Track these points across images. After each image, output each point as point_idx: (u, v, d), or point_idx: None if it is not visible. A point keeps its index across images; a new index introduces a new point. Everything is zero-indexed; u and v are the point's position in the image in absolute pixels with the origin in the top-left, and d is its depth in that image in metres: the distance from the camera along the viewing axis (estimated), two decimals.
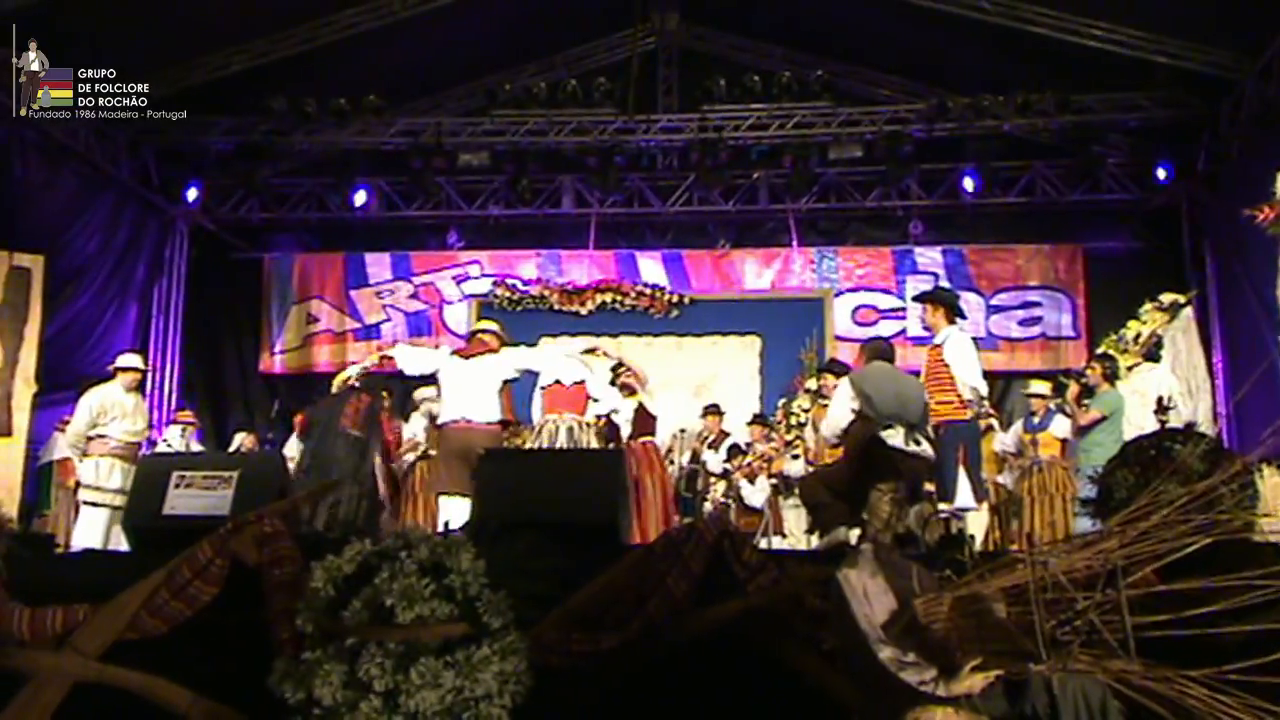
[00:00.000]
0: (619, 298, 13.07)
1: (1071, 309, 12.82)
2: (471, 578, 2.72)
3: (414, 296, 13.60)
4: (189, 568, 3.18)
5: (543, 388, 8.75)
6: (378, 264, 13.70)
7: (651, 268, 13.39)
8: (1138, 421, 8.12)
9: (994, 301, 12.94)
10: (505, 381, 7.59)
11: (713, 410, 11.15)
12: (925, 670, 2.42)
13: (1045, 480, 9.33)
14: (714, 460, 10.78)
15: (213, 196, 13.15)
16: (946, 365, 7.00)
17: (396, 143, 12.52)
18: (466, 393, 7.34)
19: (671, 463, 10.15)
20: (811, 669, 3.04)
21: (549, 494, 4.15)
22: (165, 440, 11.20)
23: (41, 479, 10.05)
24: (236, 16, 10.93)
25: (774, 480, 10.68)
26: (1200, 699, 1.99)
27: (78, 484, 8.29)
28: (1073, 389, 9.15)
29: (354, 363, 9.24)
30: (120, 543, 7.16)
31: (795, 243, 13.26)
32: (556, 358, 8.38)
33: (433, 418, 9.60)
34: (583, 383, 8.61)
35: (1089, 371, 9.00)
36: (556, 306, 13.13)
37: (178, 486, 4.11)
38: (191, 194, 12.79)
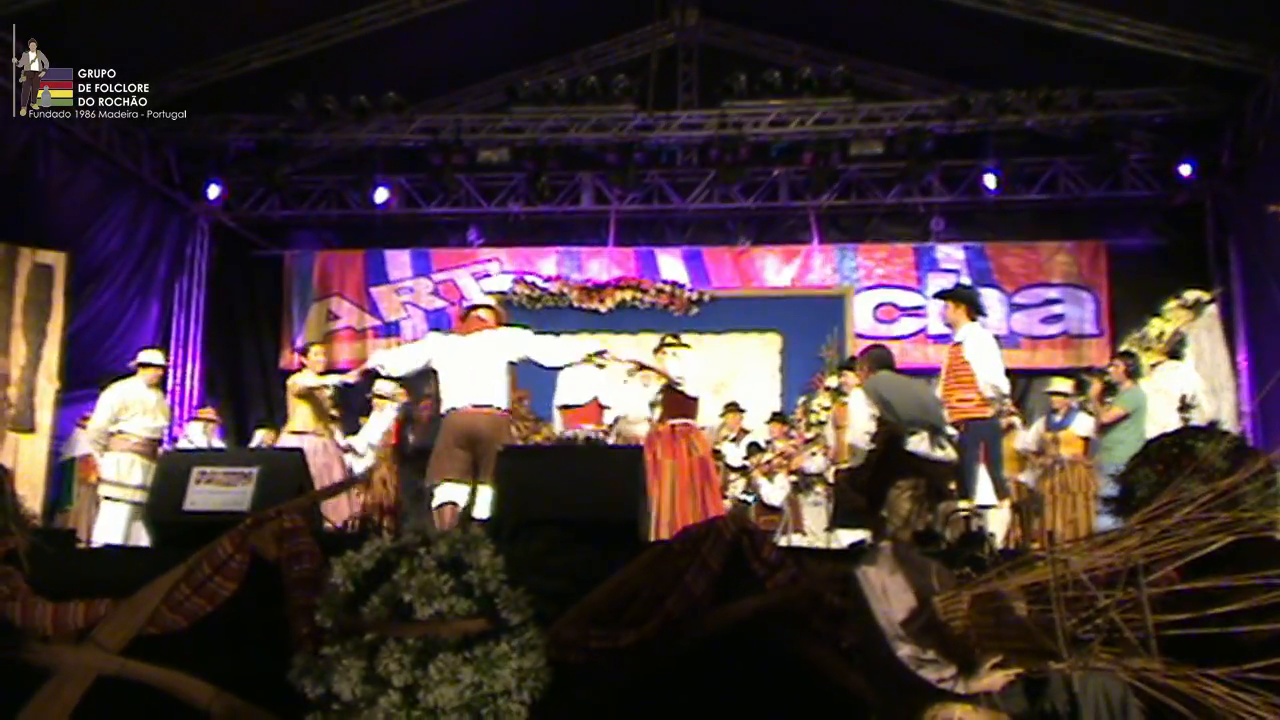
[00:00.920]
0: (639, 295, 13.06)
1: (1094, 306, 12.73)
2: (490, 574, 2.72)
3: (434, 293, 13.62)
4: (209, 563, 3.19)
5: (559, 407, 8.76)
6: (398, 261, 13.73)
7: (671, 265, 13.37)
8: (1161, 419, 8.07)
9: (1016, 299, 12.87)
10: (509, 364, 6.82)
11: (732, 408, 11.13)
12: (944, 667, 2.42)
13: (1067, 478, 9.28)
14: (733, 453, 10.73)
15: (234, 194, 13.19)
16: (967, 363, 6.97)
17: (416, 140, 12.53)
18: (467, 374, 6.66)
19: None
20: (830, 666, 3.03)
21: (568, 491, 4.15)
22: (187, 437, 11.24)
23: (64, 475, 10.13)
24: (256, 14, 10.95)
25: (793, 478, 10.66)
26: (1221, 698, 1.98)
27: (99, 480, 8.34)
28: (1095, 386, 9.10)
29: (344, 369, 9.20)
30: (141, 538, 7.21)
31: (816, 239, 13.21)
32: (557, 353, 7.18)
33: (408, 414, 9.54)
34: (595, 399, 8.61)
35: (1111, 369, 8.96)
36: (576, 303, 13.13)
37: (199, 482, 4.13)
38: (213, 191, 12.84)
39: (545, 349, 6.98)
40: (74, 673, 3.08)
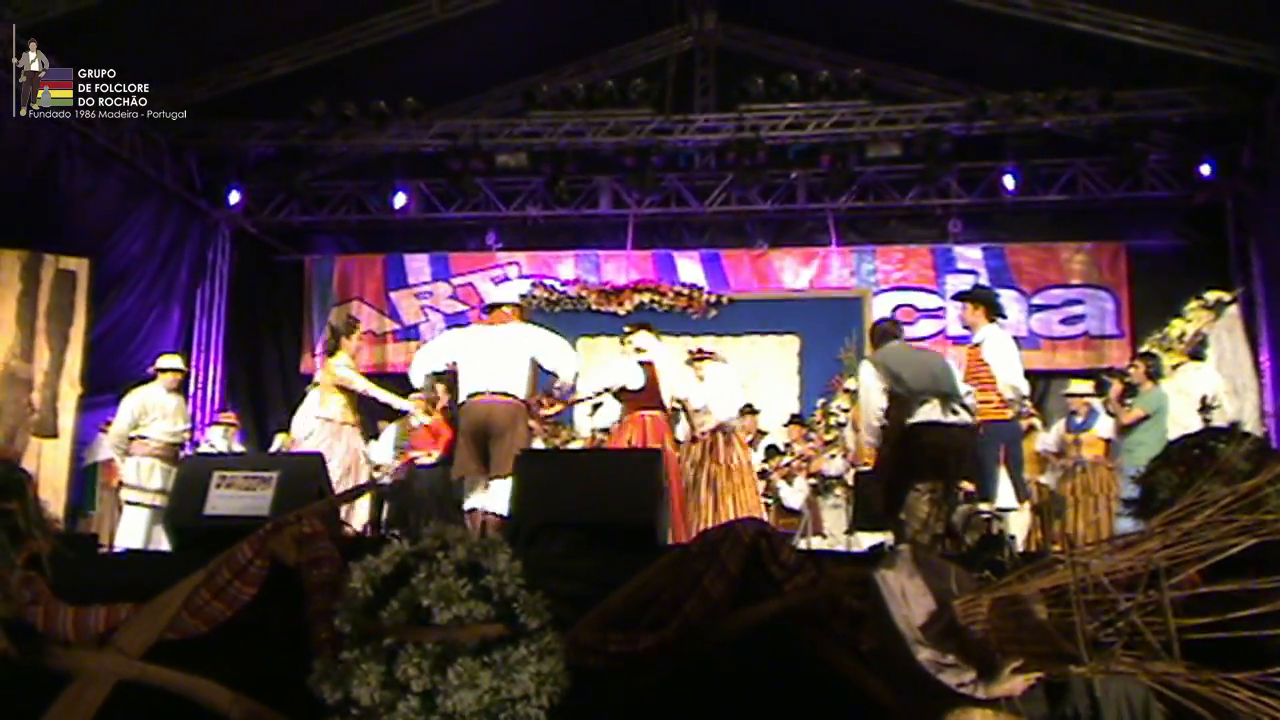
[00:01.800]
0: (657, 298, 13.07)
1: (1115, 307, 12.68)
2: (508, 578, 2.71)
3: (453, 297, 13.67)
4: (229, 568, 3.19)
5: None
6: (417, 265, 13.79)
7: (689, 267, 13.38)
8: (1182, 421, 8.03)
9: (1035, 300, 12.82)
10: (530, 359, 6.72)
11: (747, 410, 11.11)
12: (964, 672, 2.41)
13: (1089, 480, 9.25)
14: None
15: (254, 200, 13.28)
16: (986, 364, 6.95)
17: (435, 145, 12.57)
18: (486, 362, 6.60)
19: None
20: (849, 670, 3.02)
21: (586, 494, 4.15)
22: (208, 441, 11.32)
23: (87, 480, 10.20)
24: (277, 21, 11.02)
25: (812, 480, 10.64)
26: (1245, 702, 1.97)
27: (121, 484, 8.39)
28: (1115, 388, 9.06)
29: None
30: (162, 542, 7.24)
31: (834, 242, 13.20)
32: (566, 363, 6.94)
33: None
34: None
35: (1132, 370, 8.91)
36: (594, 307, 13.16)
37: (219, 487, 4.14)
38: (234, 197, 12.94)
39: (557, 356, 6.86)
40: (95, 677, 3.08)
